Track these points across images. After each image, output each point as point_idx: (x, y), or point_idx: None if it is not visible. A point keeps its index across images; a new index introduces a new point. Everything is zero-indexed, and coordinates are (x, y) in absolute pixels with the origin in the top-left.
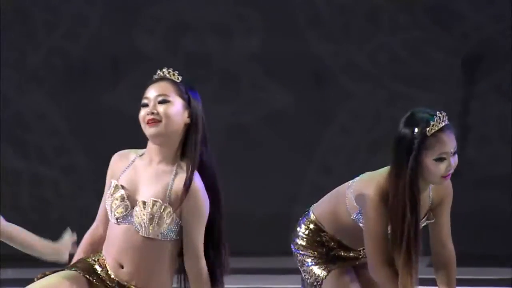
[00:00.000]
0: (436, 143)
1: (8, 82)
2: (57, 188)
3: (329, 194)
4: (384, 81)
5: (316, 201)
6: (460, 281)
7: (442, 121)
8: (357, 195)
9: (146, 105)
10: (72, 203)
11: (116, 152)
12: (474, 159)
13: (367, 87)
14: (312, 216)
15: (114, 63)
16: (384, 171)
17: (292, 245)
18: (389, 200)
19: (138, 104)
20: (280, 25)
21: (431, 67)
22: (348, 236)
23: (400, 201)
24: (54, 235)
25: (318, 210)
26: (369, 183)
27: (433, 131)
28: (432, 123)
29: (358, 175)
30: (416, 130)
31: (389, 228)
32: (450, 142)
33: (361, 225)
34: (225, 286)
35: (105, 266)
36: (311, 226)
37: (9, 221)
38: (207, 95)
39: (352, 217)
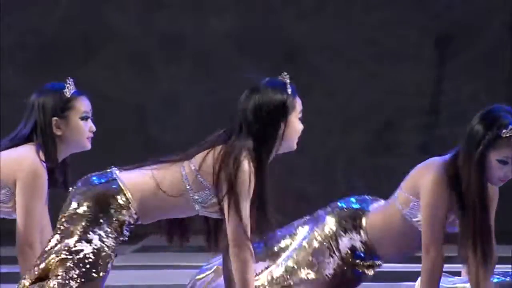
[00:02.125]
0: (507, 146)
1: None
2: None
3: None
4: (358, 60)
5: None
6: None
7: None
8: (413, 182)
9: None
10: None
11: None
12: (446, 138)
13: (340, 66)
14: (364, 223)
15: (86, 40)
16: (442, 159)
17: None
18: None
19: (110, 81)
20: (253, 3)
21: (404, 46)
22: (387, 241)
23: (470, 194)
24: None
25: (370, 220)
26: (428, 169)
27: (508, 134)
28: (510, 127)
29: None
30: (491, 128)
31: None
32: None
33: (414, 219)
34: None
35: None
36: (362, 233)
37: None
38: (180, 74)
39: (403, 212)
